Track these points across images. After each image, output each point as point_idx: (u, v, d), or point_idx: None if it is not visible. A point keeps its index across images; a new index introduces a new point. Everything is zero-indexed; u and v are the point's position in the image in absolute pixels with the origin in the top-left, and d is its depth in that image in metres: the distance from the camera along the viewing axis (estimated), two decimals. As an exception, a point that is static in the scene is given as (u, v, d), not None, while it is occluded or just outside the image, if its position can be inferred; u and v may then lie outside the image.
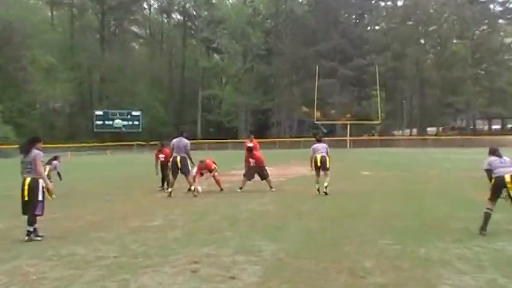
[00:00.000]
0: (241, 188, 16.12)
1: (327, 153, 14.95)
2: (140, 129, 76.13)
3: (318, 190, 14.73)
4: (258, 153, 16.60)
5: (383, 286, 5.67)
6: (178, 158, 14.83)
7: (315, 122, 75.53)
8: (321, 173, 14.88)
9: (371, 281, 5.87)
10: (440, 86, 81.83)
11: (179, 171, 14.95)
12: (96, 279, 6.12)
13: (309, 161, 15.19)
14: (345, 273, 6.17)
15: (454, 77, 79.44)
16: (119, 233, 9.12)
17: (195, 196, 14.73)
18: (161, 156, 17.10)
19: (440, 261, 6.75)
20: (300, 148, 63.64)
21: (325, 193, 14.33)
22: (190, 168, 15.06)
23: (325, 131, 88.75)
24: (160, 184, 17.10)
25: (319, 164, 14.77)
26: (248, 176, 16.39)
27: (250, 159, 16.24)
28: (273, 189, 16.02)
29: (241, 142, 71.31)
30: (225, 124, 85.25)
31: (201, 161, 16.07)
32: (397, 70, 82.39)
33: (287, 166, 28.26)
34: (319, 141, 15.40)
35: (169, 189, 15.11)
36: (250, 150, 16.42)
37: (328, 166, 14.84)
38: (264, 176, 16.37)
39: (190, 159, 15.17)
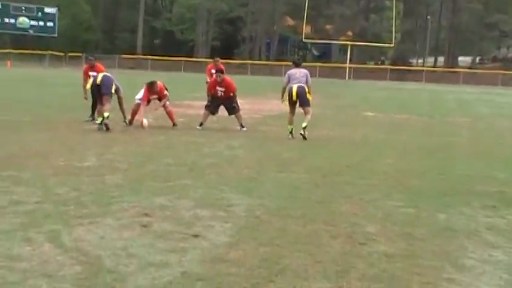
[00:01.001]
0: (201, 125, 16.55)
1: (306, 82, 15.31)
2: (55, 34, 75.09)
3: (291, 133, 15.26)
4: (229, 78, 16.88)
5: (389, 256, 6.14)
6: (100, 77, 15.41)
7: (303, 41, 75.73)
8: (298, 109, 15.33)
9: (374, 249, 6.36)
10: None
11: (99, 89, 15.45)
12: (15, 228, 6.50)
13: (280, 92, 15.66)
14: (341, 239, 6.66)
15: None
16: (38, 173, 9.43)
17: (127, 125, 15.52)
18: (93, 74, 17.11)
19: (465, 230, 7.28)
20: (282, 75, 63.01)
21: (303, 137, 14.83)
22: (112, 90, 15.52)
23: (316, 53, 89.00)
24: (90, 112, 17.33)
25: (294, 97, 15.20)
26: (211, 108, 16.76)
27: (218, 88, 16.54)
28: (245, 129, 16.60)
29: (199, 62, 70.37)
30: (177, 35, 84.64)
31: (151, 83, 16.26)
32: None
33: (263, 99, 28.99)
34: (297, 65, 15.78)
35: (99, 120, 15.45)
36: (220, 72, 16.69)
37: (308, 101, 15.29)
38: (233, 109, 16.78)
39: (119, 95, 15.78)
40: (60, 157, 10.91)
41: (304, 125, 14.89)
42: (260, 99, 28.97)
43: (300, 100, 15.14)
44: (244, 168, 10.71)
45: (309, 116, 15.08)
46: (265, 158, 11.94)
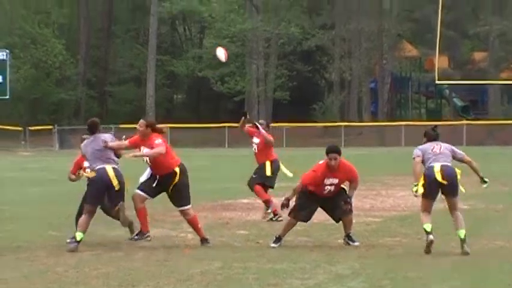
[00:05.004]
0: (278, 241, 12.56)
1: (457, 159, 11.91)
2: (7, 95, 54.57)
3: (428, 239, 11.43)
4: (347, 162, 12.64)
5: None
6: (111, 171, 12.03)
7: (437, 83, 52.21)
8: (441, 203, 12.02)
9: None
10: None
11: (110, 197, 12.08)
12: None
13: (413, 174, 11.93)
14: None
15: None
16: None
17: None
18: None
19: None
20: (400, 144, 49.71)
21: (464, 251, 11.18)
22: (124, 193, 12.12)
23: (459, 103, 66.08)
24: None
25: (439, 178, 11.43)
26: (304, 215, 12.55)
27: (328, 179, 12.13)
28: (357, 243, 12.71)
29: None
30: (213, 85, 59.82)
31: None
32: None
33: (376, 188, 22.17)
34: (431, 139, 12.14)
35: (78, 236, 11.68)
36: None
37: (458, 189, 11.66)
38: (343, 212, 12.59)
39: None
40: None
41: (462, 235, 11.18)
42: (372, 189, 21.65)
43: (447, 187, 11.45)
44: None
45: (459, 214, 11.48)
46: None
